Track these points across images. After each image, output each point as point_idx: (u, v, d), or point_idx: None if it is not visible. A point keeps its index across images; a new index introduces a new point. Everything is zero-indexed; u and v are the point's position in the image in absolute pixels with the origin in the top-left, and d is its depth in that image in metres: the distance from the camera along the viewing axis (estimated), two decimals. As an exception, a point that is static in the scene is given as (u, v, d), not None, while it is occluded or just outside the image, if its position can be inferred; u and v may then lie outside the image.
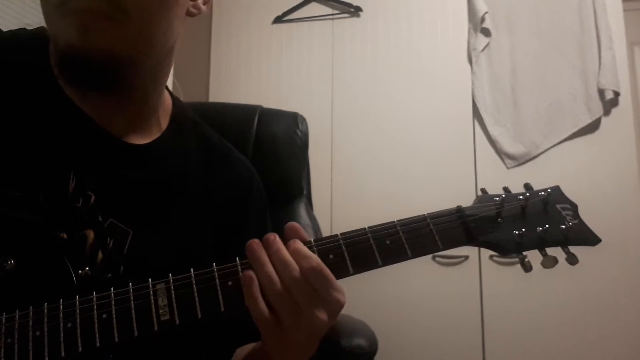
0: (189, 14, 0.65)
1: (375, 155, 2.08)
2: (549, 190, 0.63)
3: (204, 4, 0.67)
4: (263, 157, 1.12)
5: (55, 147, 0.59)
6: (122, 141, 0.63)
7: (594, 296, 1.83)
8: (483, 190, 0.63)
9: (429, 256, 2.00)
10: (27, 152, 0.57)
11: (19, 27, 0.67)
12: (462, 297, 1.92)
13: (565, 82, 1.98)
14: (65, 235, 0.56)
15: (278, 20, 2.26)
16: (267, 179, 0.82)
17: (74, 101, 0.60)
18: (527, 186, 0.64)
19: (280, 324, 0.50)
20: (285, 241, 0.53)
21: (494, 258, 1.93)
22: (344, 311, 0.54)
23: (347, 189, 2.07)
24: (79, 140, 0.60)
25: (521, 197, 0.61)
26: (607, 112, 1.94)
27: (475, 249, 1.95)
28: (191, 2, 0.65)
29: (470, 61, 2.06)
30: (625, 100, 1.93)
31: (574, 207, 0.63)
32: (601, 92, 1.93)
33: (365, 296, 1.82)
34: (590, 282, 1.82)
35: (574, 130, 1.95)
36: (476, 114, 2.04)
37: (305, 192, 1.23)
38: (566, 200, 0.63)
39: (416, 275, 1.92)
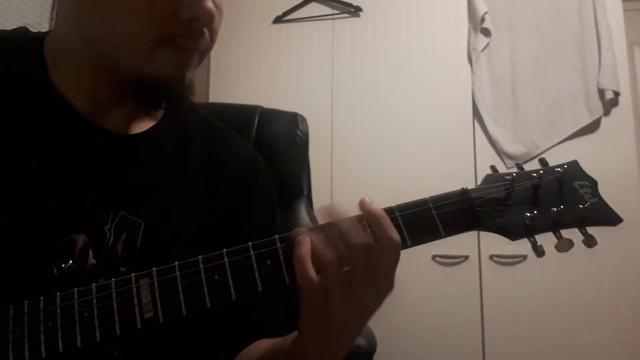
0: None
1: (375, 155, 2.08)
2: (565, 166, 0.56)
3: None
4: (263, 158, 1.12)
5: (50, 146, 0.59)
6: (118, 134, 0.63)
7: (594, 296, 1.83)
8: (492, 167, 0.58)
9: (429, 256, 1.99)
10: (20, 153, 0.57)
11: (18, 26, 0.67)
12: (462, 297, 1.92)
13: (565, 82, 1.98)
14: (42, 237, 0.55)
15: (278, 20, 2.26)
16: (267, 179, 0.81)
17: (66, 97, 0.60)
18: (543, 161, 0.58)
19: (326, 295, 0.48)
20: None
21: (494, 258, 1.92)
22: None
23: (347, 189, 2.07)
24: (73, 137, 0.60)
25: (534, 174, 0.55)
26: (607, 112, 1.94)
27: (475, 248, 1.95)
28: None
29: (470, 61, 2.06)
30: (625, 100, 1.93)
31: (593, 183, 0.57)
32: (601, 92, 1.93)
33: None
34: (589, 282, 1.82)
35: (574, 130, 1.94)
36: (476, 114, 2.04)
37: (305, 192, 1.23)
38: (585, 176, 0.57)
39: (416, 275, 1.92)
